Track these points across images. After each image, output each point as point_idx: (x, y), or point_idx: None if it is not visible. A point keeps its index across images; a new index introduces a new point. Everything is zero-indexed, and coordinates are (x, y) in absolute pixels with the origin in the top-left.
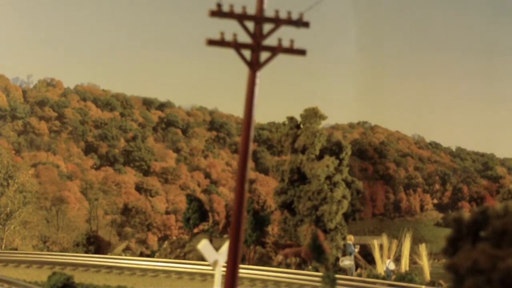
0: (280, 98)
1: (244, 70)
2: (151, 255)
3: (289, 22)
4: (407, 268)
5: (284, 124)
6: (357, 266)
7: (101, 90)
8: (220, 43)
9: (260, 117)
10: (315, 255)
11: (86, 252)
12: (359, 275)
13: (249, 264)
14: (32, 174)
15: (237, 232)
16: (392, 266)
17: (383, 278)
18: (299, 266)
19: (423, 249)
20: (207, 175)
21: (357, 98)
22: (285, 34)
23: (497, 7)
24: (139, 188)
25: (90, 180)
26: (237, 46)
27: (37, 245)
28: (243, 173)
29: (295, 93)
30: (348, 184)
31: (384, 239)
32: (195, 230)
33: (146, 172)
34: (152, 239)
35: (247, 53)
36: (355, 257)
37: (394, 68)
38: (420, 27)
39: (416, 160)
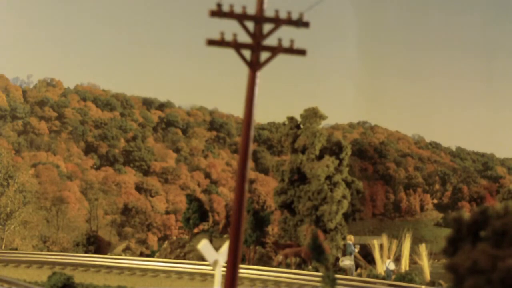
0: (280, 98)
1: (244, 70)
2: (151, 255)
3: (289, 22)
4: (407, 268)
5: (284, 124)
6: (357, 266)
7: (101, 90)
8: (220, 43)
9: (260, 117)
10: (315, 255)
11: (86, 252)
12: (359, 275)
13: (249, 264)
14: (32, 174)
15: (237, 232)
16: (392, 266)
17: (383, 278)
18: (299, 266)
19: (423, 249)
20: (207, 175)
21: (357, 98)
22: (285, 34)
23: (497, 6)
24: (139, 188)
25: (90, 180)
26: (237, 46)
27: (37, 245)
28: (243, 173)
29: (295, 93)
30: (348, 184)
31: (384, 239)
32: (195, 230)
33: (146, 172)
34: (152, 239)
35: (247, 53)
36: (355, 257)
37: (394, 68)
38: (420, 27)
39: (416, 160)
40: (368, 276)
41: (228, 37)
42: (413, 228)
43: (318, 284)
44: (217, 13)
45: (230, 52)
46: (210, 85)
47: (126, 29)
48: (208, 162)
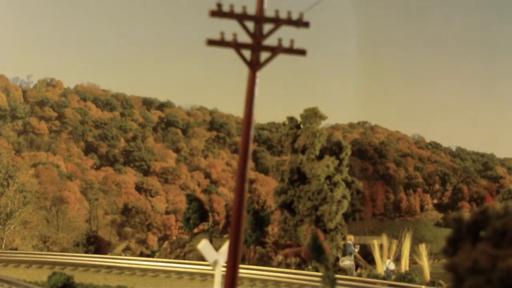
0: (280, 98)
1: (244, 70)
2: (151, 255)
3: (289, 22)
4: (407, 268)
5: (284, 124)
6: (357, 266)
7: (101, 90)
8: (220, 43)
9: (260, 117)
10: (315, 255)
11: (86, 252)
12: (359, 275)
13: (249, 264)
14: (32, 174)
15: (237, 232)
16: (392, 266)
17: (383, 278)
18: (299, 266)
19: (423, 249)
20: (207, 175)
21: (357, 98)
22: (285, 34)
23: (497, 7)
24: (139, 188)
25: (90, 180)
26: (237, 46)
27: (37, 245)
28: (243, 173)
29: (295, 93)
30: (348, 184)
31: (384, 239)
32: (195, 230)
33: (146, 172)
34: (152, 239)
35: (247, 53)
36: (355, 257)
37: (394, 68)
38: (419, 27)
39: (416, 160)
40: (368, 276)
41: (228, 37)
42: (413, 228)
43: (318, 284)
44: (217, 13)
45: (230, 52)
46: (210, 85)
47: (126, 29)
48: (208, 162)
